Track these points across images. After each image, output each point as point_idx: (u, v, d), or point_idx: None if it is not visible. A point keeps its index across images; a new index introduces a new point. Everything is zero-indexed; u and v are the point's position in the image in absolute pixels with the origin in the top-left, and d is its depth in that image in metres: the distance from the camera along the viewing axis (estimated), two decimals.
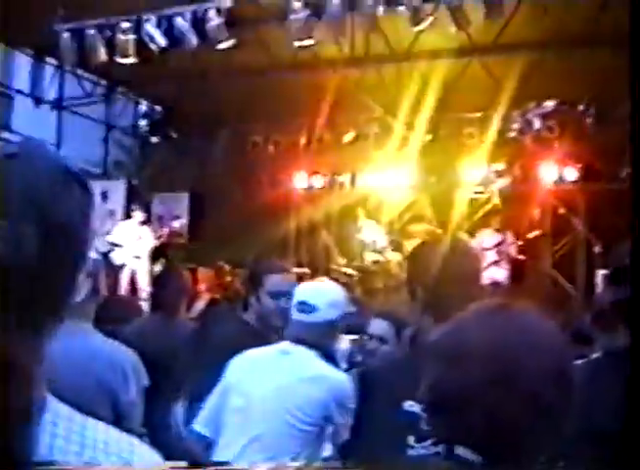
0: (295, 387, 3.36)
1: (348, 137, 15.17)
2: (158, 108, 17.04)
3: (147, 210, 14.31)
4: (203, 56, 12.12)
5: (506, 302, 1.57)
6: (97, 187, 14.31)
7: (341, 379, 3.48)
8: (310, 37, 11.01)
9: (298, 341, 3.46)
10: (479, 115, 14.21)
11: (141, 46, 11.80)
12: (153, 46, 11.69)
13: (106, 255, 11.72)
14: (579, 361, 2.31)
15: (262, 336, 3.94)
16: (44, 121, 14.72)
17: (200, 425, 3.52)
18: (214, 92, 13.51)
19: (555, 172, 13.69)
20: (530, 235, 13.61)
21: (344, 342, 6.56)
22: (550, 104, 13.82)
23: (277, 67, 12.96)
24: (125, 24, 11.75)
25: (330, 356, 3.78)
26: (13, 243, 0.92)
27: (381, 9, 10.42)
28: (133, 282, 12.92)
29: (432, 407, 1.51)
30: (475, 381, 1.42)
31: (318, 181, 15.61)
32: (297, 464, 3.23)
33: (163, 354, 4.29)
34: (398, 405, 2.32)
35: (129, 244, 12.91)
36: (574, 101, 13.41)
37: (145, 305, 9.49)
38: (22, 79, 14.46)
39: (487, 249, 12.71)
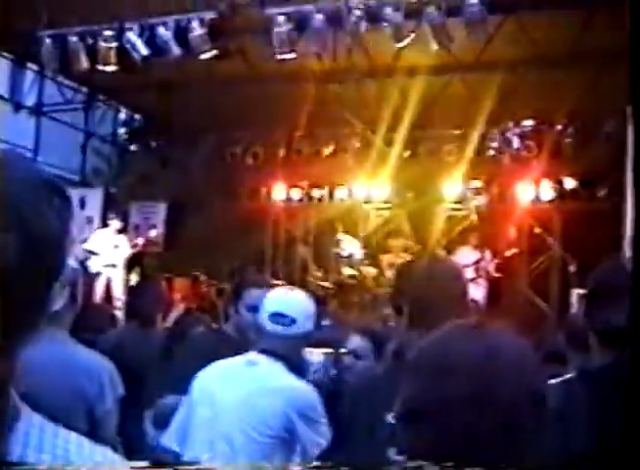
0: (257, 399, 3.31)
1: (328, 151, 15.22)
2: (137, 116, 17.03)
3: (124, 218, 14.25)
4: (184, 66, 12.12)
5: (479, 321, 1.59)
6: (74, 194, 14.15)
7: (303, 390, 3.42)
8: (292, 51, 11.05)
9: (269, 352, 3.42)
10: (458, 132, 14.30)
11: (123, 54, 11.77)
12: (135, 55, 11.67)
13: (82, 262, 11.65)
14: (553, 381, 2.32)
15: (235, 345, 3.92)
16: (23, 127, 14.63)
17: (168, 439, 3.47)
18: (195, 102, 13.51)
19: (532, 191, 13.78)
20: (508, 253, 13.67)
21: (317, 355, 6.55)
22: (529, 123, 13.94)
23: (258, 79, 12.98)
24: (108, 32, 11.73)
25: (298, 368, 3.76)
26: None
27: (363, 25, 10.47)
28: (108, 290, 12.86)
29: (403, 422, 1.52)
30: (444, 397, 1.43)
31: (296, 194, 15.63)
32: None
33: (139, 364, 4.27)
34: (379, 418, 2.33)
35: (105, 252, 12.85)
36: (553, 120, 13.52)
37: (120, 314, 9.45)
38: (1, 84, 14.37)
39: (466, 266, 12.75)
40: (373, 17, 10.48)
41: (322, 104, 13.09)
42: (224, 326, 4.39)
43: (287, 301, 3.54)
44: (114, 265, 12.91)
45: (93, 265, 12.56)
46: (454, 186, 14.41)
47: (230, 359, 3.59)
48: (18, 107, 14.63)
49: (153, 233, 14.44)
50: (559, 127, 13.60)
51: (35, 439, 0.99)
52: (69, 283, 2.90)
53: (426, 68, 11.90)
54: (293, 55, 11.12)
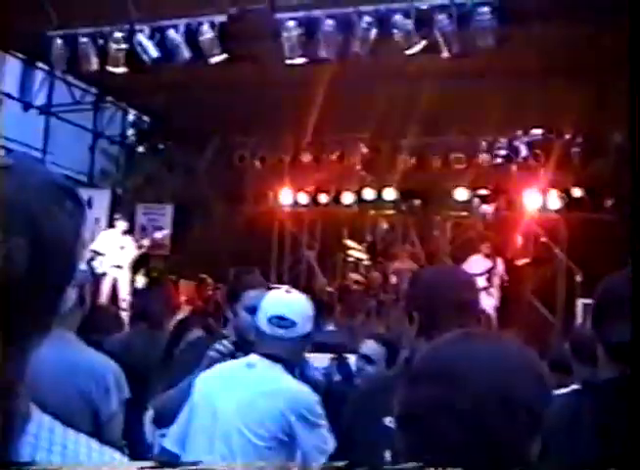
0: (255, 401, 3.29)
1: (335, 156, 15.22)
2: (146, 118, 17.06)
3: (130, 219, 14.27)
4: (194, 69, 12.14)
5: (483, 329, 1.62)
6: (82, 195, 14.25)
7: (302, 392, 3.40)
8: (302, 56, 11.05)
9: (270, 355, 3.41)
10: (466, 139, 14.29)
11: (133, 56, 11.80)
12: (145, 57, 11.69)
13: (88, 263, 11.67)
14: (558, 392, 2.31)
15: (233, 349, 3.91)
16: (32, 126, 14.67)
17: (169, 442, 3.46)
18: (203, 105, 13.53)
19: (539, 200, 13.76)
20: (519, 262, 13.64)
21: (323, 360, 6.55)
22: (537, 132, 13.93)
23: (268, 83, 12.99)
24: (118, 34, 11.75)
25: (300, 371, 3.76)
26: (4, 257, 0.92)
27: (374, 31, 10.48)
28: (114, 291, 12.87)
29: (399, 425, 1.53)
30: (439, 403, 1.44)
31: (303, 198, 15.64)
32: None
33: (147, 366, 4.28)
34: (379, 421, 2.34)
35: (111, 253, 12.87)
36: (561, 130, 13.52)
37: (125, 316, 9.46)
38: (11, 83, 14.42)
39: (477, 274, 12.69)
40: (383, 23, 10.49)
41: (330, 109, 13.10)
42: (224, 330, 4.35)
43: (286, 303, 3.50)
44: (119, 266, 12.93)
45: (99, 266, 12.58)
46: (461, 193, 14.41)
47: (231, 362, 3.60)
48: (27, 106, 14.67)
49: (159, 235, 14.45)
50: (567, 137, 13.59)
51: (45, 441, 1.00)
52: (78, 285, 2.92)
53: (435, 75, 11.90)
54: (302, 60, 11.13)
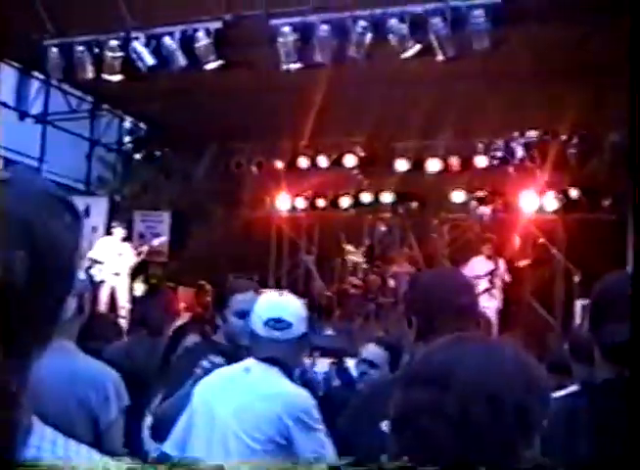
0: (252, 406, 3.30)
1: (332, 160, 15.23)
2: (142, 125, 17.07)
3: (128, 227, 14.27)
4: (190, 76, 12.15)
5: (479, 333, 1.63)
6: (79, 203, 14.23)
7: (299, 395, 3.40)
8: (298, 61, 11.07)
9: (267, 359, 3.41)
10: (463, 142, 14.31)
11: (128, 64, 11.81)
12: (140, 64, 11.70)
13: (86, 271, 11.67)
14: (557, 394, 2.32)
15: (227, 355, 3.91)
16: (28, 135, 14.68)
17: (169, 447, 3.46)
18: (200, 112, 13.54)
19: (536, 201, 13.77)
20: (521, 264, 13.63)
21: (323, 365, 6.57)
22: (533, 134, 13.95)
23: (263, 89, 13.01)
24: (114, 42, 11.77)
25: (299, 375, 3.75)
26: (4, 269, 0.93)
27: (369, 35, 10.50)
28: (112, 299, 12.87)
29: (392, 428, 1.54)
30: (434, 407, 1.46)
31: (300, 203, 15.64)
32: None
33: (147, 373, 4.28)
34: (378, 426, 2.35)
35: (109, 260, 12.87)
36: (557, 131, 13.53)
37: (124, 323, 9.46)
38: (7, 92, 14.42)
39: (479, 276, 12.69)
40: (378, 27, 10.50)
41: (327, 114, 13.12)
42: (215, 337, 4.33)
43: (281, 306, 3.52)
44: (118, 274, 12.93)
45: (97, 274, 12.58)
46: (458, 196, 14.43)
47: (229, 367, 3.61)
48: (23, 115, 14.68)
49: (157, 242, 14.45)
50: (563, 138, 13.61)
51: (48, 453, 1.01)
52: (77, 294, 2.92)
53: (430, 78, 11.92)
54: (298, 65, 11.15)
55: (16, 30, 11.11)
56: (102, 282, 12.68)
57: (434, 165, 14.55)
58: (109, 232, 13.94)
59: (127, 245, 13.41)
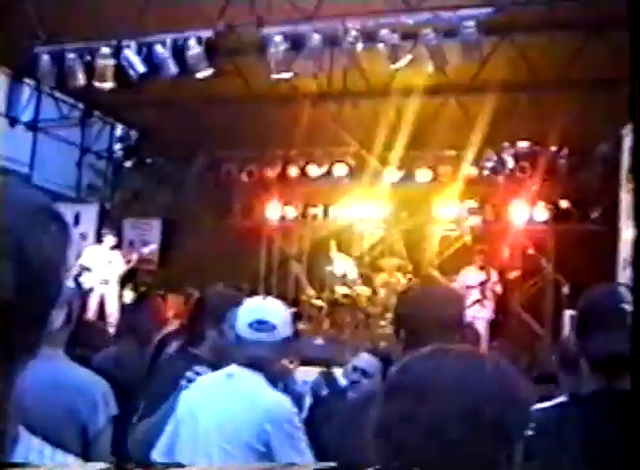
0: (234, 413, 3.30)
1: (323, 169, 15.24)
2: (133, 133, 17.04)
3: (118, 234, 14.25)
4: (181, 84, 12.15)
5: (459, 345, 1.65)
6: (69, 210, 14.25)
7: (280, 403, 3.39)
8: (289, 70, 11.09)
9: (250, 364, 3.40)
10: (453, 152, 14.34)
11: (120, 71, 11.80)
12: (132, 72, 11.69)
13: (75, 278, 11.63)
14: (544, 404, 2.33)
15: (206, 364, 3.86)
16: (19, 142, 14.64)
17: (157, 454, 3.45)
18: (191, 120, 13.55)
19: (526, 212, 13.80)
20: (511, 275, 13.66)
21: (311, 374, 6.55)
22: (524, 144, 13.99)
23: (254, 98, 13.03)
24: (105, 50, 11.75)
25: (283, 383, 3.73)
26: None
27: (360, 45, 10.52)
28: (101, 306, 12.84)
29: (373, 438, 1.55)
30: (409, 417, 1.47)
31: (291, 212, 15.63)
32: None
33: (135, 382, 4.26)
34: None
35: (99, 268, 12.84)
36: (547, 142, 13.58)
37: (112, 331, 9.41)
38: None
39: (470, 287, 12.68)
40: (369, 37, 10.53)
41: (317, 123, 13.14)
42: (195, 350, 4.11)
43: (265, 308, 3.52)
44: (107, 281, 12.90)
45: (86, 281, 12.54)
46: (448, 206, 14.44)
47: (212, 374, 3.61)
48: (14, 122, 14.65)
49: (147, 250, 14.43)
50: (553, 149, 13.65)
51: (34, 463, 1.00)
52: (66, 303, 2.91)
53: (421, 88, 11.95)
54: (289, 74, 11.17)
55: (7, 37, 11.09)
56: (91, 290, 12.64)
57: (424, 175, 14.58)
58: (99, 240, 13.92)
59: (117, 252, 13.39)
